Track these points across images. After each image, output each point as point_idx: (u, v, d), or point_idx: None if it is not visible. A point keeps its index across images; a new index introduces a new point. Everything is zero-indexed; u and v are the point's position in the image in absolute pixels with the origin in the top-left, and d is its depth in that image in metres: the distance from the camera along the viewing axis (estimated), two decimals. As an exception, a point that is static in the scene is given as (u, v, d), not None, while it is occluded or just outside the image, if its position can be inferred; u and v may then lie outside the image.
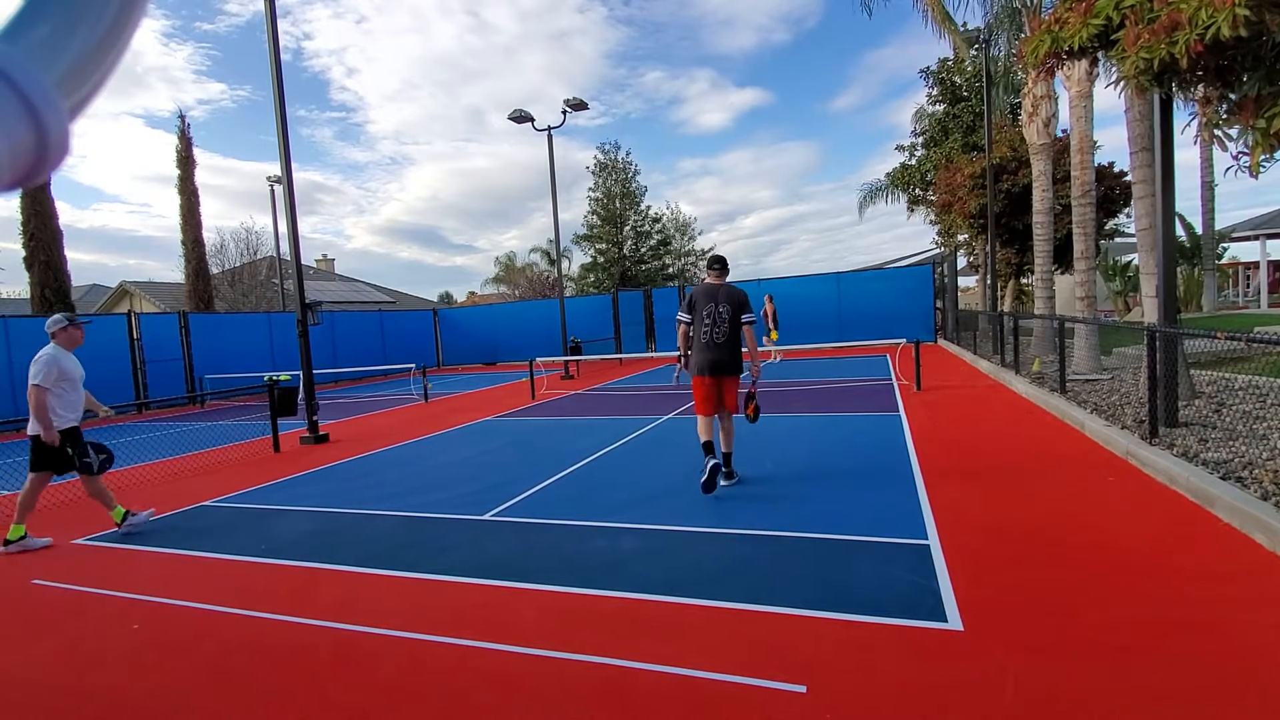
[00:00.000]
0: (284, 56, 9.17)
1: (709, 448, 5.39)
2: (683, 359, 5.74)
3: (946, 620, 3.02)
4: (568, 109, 15.92)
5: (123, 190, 70.51)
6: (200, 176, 22.85)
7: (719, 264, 5.70)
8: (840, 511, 4.68)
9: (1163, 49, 4.24)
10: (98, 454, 5.24)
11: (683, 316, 5.66)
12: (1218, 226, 22.09)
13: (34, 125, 0.43)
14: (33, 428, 5.08)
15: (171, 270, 44.73)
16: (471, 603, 3.63)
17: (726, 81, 73.38)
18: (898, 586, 3.41)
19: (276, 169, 14.36)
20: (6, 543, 5.08)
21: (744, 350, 5.59)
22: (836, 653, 2.82)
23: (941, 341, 19.31)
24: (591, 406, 11.29)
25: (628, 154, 36.40)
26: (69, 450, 5.13)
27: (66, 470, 5.23)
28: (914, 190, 25.22)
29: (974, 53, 17.26)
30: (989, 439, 6.76)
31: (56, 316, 5.32)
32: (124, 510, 5.42)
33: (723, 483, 5.49)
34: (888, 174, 25.90)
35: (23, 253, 17.06)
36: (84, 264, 59.83)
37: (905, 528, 4.25)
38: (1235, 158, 4.64)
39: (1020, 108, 14.94)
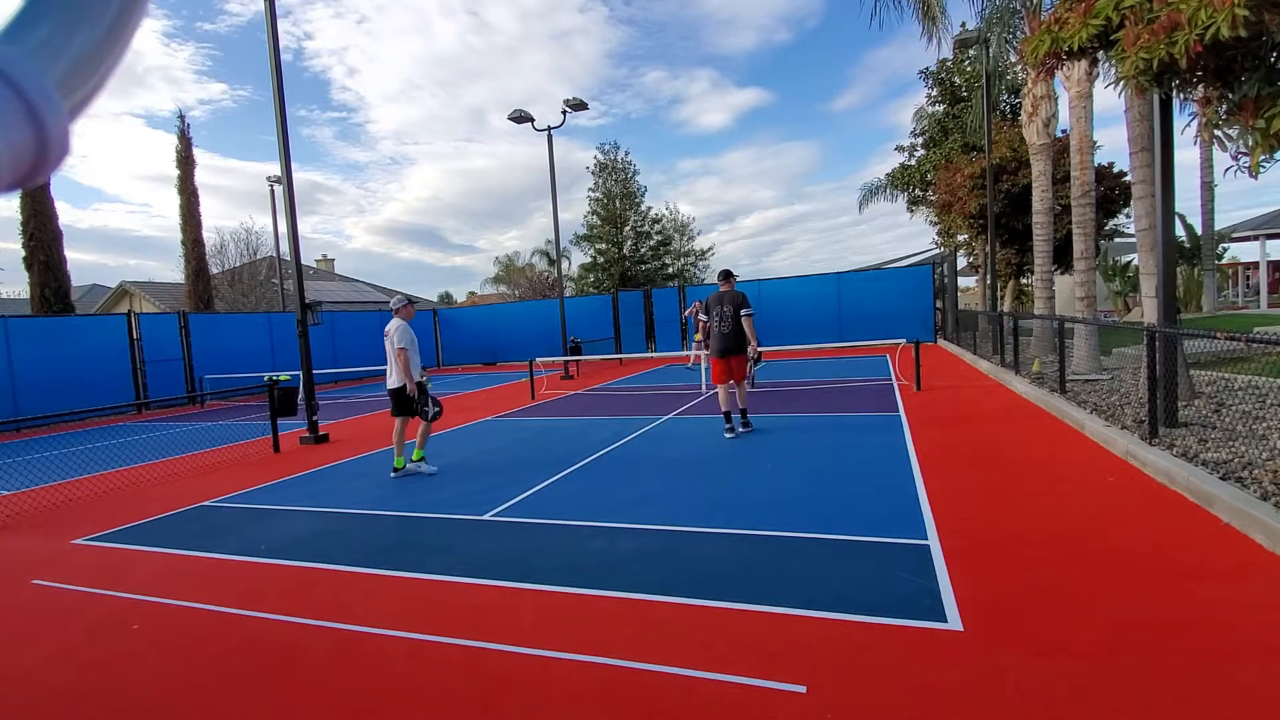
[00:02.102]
0: (285, 56, 9.18)
1: (728, 416, 7.71)
2: (703, 347, 8.12)
3: (946, 620, 3.02)
4: (568, 109, 15.92)
5: (123, 190, 70.51)
6: (200, 176, 22.91)
7: (726, 276, 7.85)
8: (840, 512, 4.68)
9: (1162, 49, 4.25)
10: (434, 406, 6.78)
11: (703, 316, 8.13)
12: (1218, 226, 22.10)
13: (34, 125, 0.43)
14: (395, 381, 6.70)
15: (171, 270, 44.73)
16: (471, 603, 3.63)
17: (727, 81, 73.43)
18: (898, 586, 3.41)
19: (277, 169, 14.38)
20: (405, 465, 6.79)
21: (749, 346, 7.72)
22: (836, 653, 2.82)
23: (941, 342, 19.31)
24: (591, 406, 11.29)
25: (627, 154, 36.42)
26: (418, 400, 6.69)
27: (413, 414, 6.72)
28: (914, 190, 25.22)
29: (972, 53, 17.27)
30: (989, 439, 6.76)
31: (399, 297, 7.15)
32: (423, 455, 6.89)
33: (740, 429, 7.71)
34: (888, 174, 25.90)
35: (23, 253, 17.08)
36: (84, 264, 59.75)
37: (905, 528, 4.25)
38: (1235, 158, 4.64)
39: (1020, 108, 14.94)
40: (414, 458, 6.85)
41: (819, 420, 8.50)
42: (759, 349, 8.23)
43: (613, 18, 74.18)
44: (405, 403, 6.72)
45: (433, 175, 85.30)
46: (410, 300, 6.99)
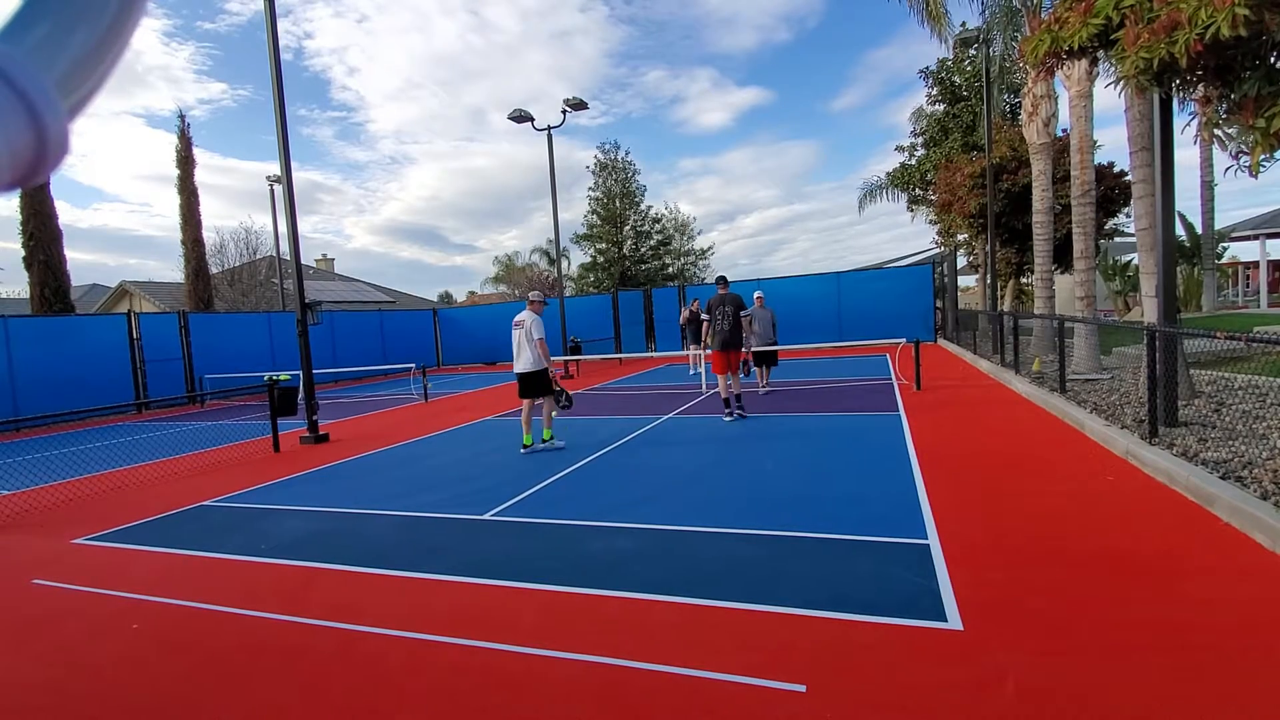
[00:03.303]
0: (285, 56, 9.19)
1: (727, 402, 8.86)
2: (706, 342, 9.18)
3: (946, 620, 3.02)
4: (568, 108, 15.92)
5: (123, 190, 70.48)
6: (200, 176, 22.92)
7: (724, 281, 9.13)
8: (840, 511, 4.68)
9: (1162, 49, 4.25)
10: (566, 397, 7.77)
11: (705, 316, 9.03)
12: (1218, 226, 22.08)
13: (33, 125, 0.43)
14: (527, 366, 7.38)
15: (171, 270, 44.67)
16: (471, 602, 3.63)
17: (728, 81, 73.45)
18: (898, 586, 3.41)
19: (277, 168, 14.39)
20: (534, 443, 7.48)
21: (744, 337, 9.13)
22: (836, 653, 2.82)
23: (941, 341, 19.32)
24: (591, 406, 11.28)
25: (627, 154, 36.46)
26: (555, 385, 7.58)
27: (545, 395, 7.52)
28: (914, 190, 25.21)
29: (973, 52, 17.27)
30: (989, 439, 6.76)
31: (538, 290, 7.87)
32: (551, 434, 7.58)
33: (739, 415, 8.74)
34: (888, 174, 25.89)
35: (22, 252, 17.06)
36: (84, 263, 59.56)
37: (905, 527, 4.25)
38: (1235, 157, 4.64)
39: (1020, 107, 14.94)
40: (544, 437, 7.56)
41: (819, 420, 8.51)
42: (751, 344, 10.09)
43: (613, 17, 74.27)
44: (536, 386, 7.41)
45: (433, 175, 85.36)
46: (545, 298, 7.82)
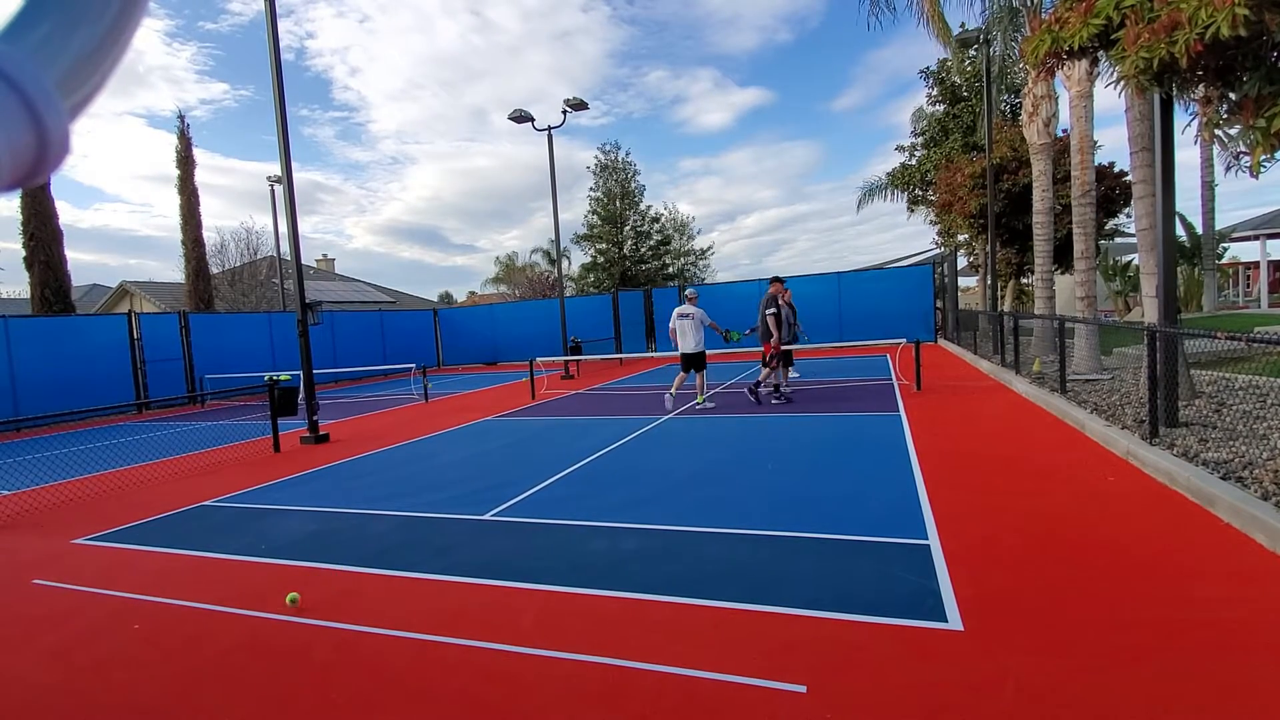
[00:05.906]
0: (286, 56, 9.18)
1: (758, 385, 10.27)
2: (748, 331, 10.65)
3: (946, 620, 3.02)
4: (568, 109, 15.92)
5: (123, 190, 70.62)
6: (201, 176, 22.96)
7: (778, 280, 10.25)
8: (840, 511, 4.68)
9: (1163, 49, 4.25)
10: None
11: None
12: (1218, 226, 22.06)
13: (34, 125, 0.43)
14: (698, 347, 9.82)
15: (171, 270, 44.79)
16: (471, 603, 3.63)
17: (729, 81, 73.48)
18: (898, 586, 3.41)
19: (278, 169, 14.38)
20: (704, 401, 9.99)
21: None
22: (836, 653, 2.82)
23: (942, 341, 19.31)
24: (591, 406, 11.29)
25: (628, 154, 36.48)
26: (731, 340, 10.77)
27: (701, 369, 10.00)
28: (914, 190, 25.20)
29: (973, 52, 17.26)
30: (989, 439, 6.76)
31: (693, 288, 10.51)
32: (704, 398, 9.99)
33: (749, 398, 10.09)
34: (888, 174, 25.88)
35: (23, 252, 17.08)
36: (84, 264, 59.88)
37: (905, 528, 4.25)
38: (1235, 158, 4.63)
39: (1020, 107, 14.94)
40: (699, 400, 9.94)
41: (819, 420, 8.50)
42: (779, 344, 10.61)
43: (615, 17, 74.20)
44: (697, 361, 9.88)
45: (434, 175, 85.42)
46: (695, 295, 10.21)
